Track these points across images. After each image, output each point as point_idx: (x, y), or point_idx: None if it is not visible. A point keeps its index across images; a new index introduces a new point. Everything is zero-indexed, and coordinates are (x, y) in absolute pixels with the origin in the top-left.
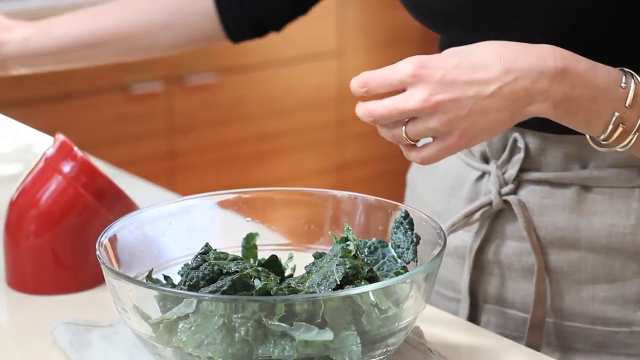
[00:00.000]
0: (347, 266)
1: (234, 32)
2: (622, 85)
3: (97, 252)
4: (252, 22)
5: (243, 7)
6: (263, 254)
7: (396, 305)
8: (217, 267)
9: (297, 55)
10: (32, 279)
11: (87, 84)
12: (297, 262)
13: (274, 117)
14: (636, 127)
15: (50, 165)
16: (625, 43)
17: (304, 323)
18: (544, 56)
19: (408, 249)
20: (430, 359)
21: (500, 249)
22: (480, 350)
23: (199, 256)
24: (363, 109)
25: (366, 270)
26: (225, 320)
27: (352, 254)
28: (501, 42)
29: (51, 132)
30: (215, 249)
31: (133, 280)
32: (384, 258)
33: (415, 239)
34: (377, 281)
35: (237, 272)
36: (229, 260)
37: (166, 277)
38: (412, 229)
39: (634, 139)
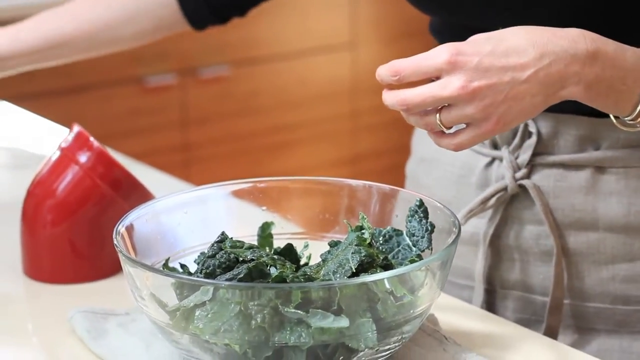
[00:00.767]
0: (363, 254)
1: (196, 20)
2: None
3: (115, 241)
4: (212, 9)
5: None
6: (278, 243)
7: (411, 292)
8: (233, 255)
9: (310, 47)
10: (49, 268)
11: (101, 76)
12: (312, 251)
13: (287, 109)
14: None
15: (66, 156)
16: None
17: (320, 310)
18: (575, 39)
19: (423, 237)
20: (445, 346)
21: (517, 233)
22: (494, 337)
23: (215, 245)
24: (394, 97)
25: (381, 258)
26: (242, 308)
27: (368, 242)
28: (531, 27)
29: (65, 124)
30: (231, 238)
31: (150, 268)
32: (398, 246)
33: (430, 227)
34: (392, 269)
35: (253, 260)
36: (245, 249)
37: (182, 266)
38: (426, 217)
39: None
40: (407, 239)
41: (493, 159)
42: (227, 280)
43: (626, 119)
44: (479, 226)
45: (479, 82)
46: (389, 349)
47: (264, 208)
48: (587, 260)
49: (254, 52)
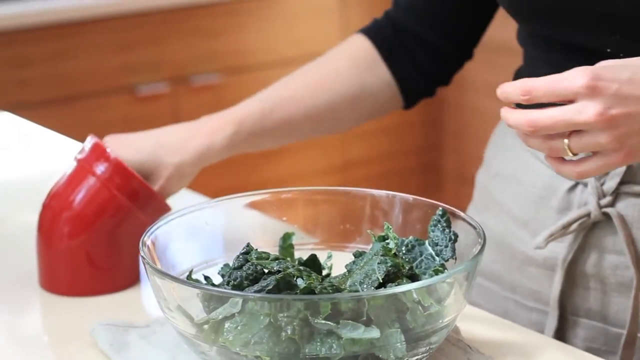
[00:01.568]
0: (389, 264)
1: (411, 97)
2: None
3: (142, 253)
4: (426, 78)
5: (414, 63)
6: (299, 254)
7: (438, 302)
8: (259, 266)
9: (301, 55)
10: (67, 281)
11: (93, 85)
12: (334, 261)
13: None
14: None
15: (83, 167)
16: None
17: (350, 321)
18: None
19: (447, 246)
20: (470, 355)
21: (595, 261)
22: (516, 346)
23: (241, 256)
24: (522, 117)
25: (407, 268)
26: (272, 320)
27: (393, 252)
28: None
29: (59, 133)
30: (256, 249)
31: (180, 280)
32: (421, 256)
33: (453, 237)
34: (417, 279)
35: (279, 271)
36: (271, 260)
37: (206, 278)
38: (449, 226)
39: None
40: (430, 248)
41: (577, 183)
42: (256, 292)
43: None
44: (556, 250)
45: (617, 110)
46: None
47: (285, 219)
48: None
49: (245, 60)
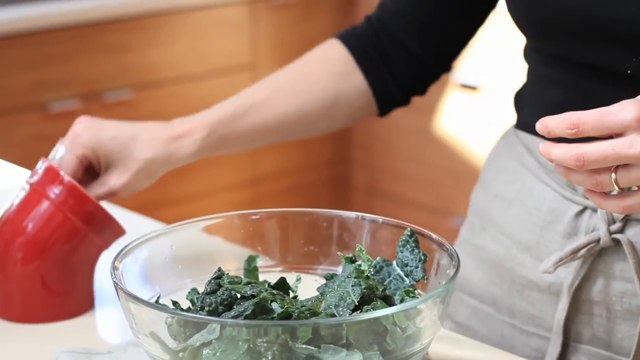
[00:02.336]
0: (363, 287)
1: (385, 105)
2: None
3: (114, 279)
4: (402, 88)
5: (391, 72)
6: (263, 276)
7: (414, 325)
8: (233, 291)
9: (211, 69)
10: (20, 307)
11: (3, 103)
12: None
13: None
14: None
15: (36, 191)
16: None
17: (331, 345)
18: None
19: (417, 267)
20: None
21: (601, 288)
22: None
23: (212, 281)
24: (569, 152)
25: (380, 289)
26: (251, 345)
27: (365, 274)
28: None
29: None
30: (227, 273)
31: (158, 307)
32: (389, 277)
33: (422, 257)
34: (390, 300)
35: (253, 295)
36: (244, 284)
37: (174, 303)
38: (417, 247)
39: None
40: (398, 268)
41: (584, 208)
42: (233, 317)
43: None
44: (560, 276)
45: None
46: None
47: (248, 242)
48: None
49: (155, 75)
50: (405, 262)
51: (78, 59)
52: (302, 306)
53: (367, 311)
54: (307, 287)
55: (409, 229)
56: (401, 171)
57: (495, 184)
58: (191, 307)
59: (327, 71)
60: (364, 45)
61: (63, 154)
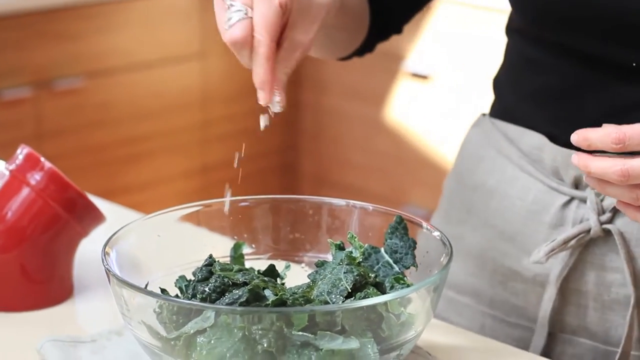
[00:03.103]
0: (355, 273)
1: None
2: None
3: (105, 265)
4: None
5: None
6: (249, 264)
7: (408, 312)
8: (226, 278)
9: (161, 57)
10: (0, 296)
11: None
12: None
13: (140, 121)
14: None
15: (16, 178)
16: None
17: (328, 332)
18: None
19: (407, 254)
20: None
21: (589, 278)
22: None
23: (204, 268)
24: (613, 167)
25: (372, 276)
26: (246, 332)
27: (357, 261)
28: None
29: None
30: (218, 260)
31: (151, 293)
32: (378, 264)
33: (412, 244)
34: (382, 287)
35: (245, 282)
36: (235, 272)
37: (163, 290)
38: (406, 233)
39: None
40: (386, 255)
41: (571, 199)
42: (227, 304)
43: None
44: (547, 267)
45: None
46: None
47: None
48: None
49: (106, 63)
50: (395, 249)
51: (29, 46)
52: (294, 293)
53: (360, 298)
54: (294, 274)
55: (397, 215)
56: (350, 160)
57: (474, 174)
58: (179, 294)
59: None
60: None
61: (243, 10)
